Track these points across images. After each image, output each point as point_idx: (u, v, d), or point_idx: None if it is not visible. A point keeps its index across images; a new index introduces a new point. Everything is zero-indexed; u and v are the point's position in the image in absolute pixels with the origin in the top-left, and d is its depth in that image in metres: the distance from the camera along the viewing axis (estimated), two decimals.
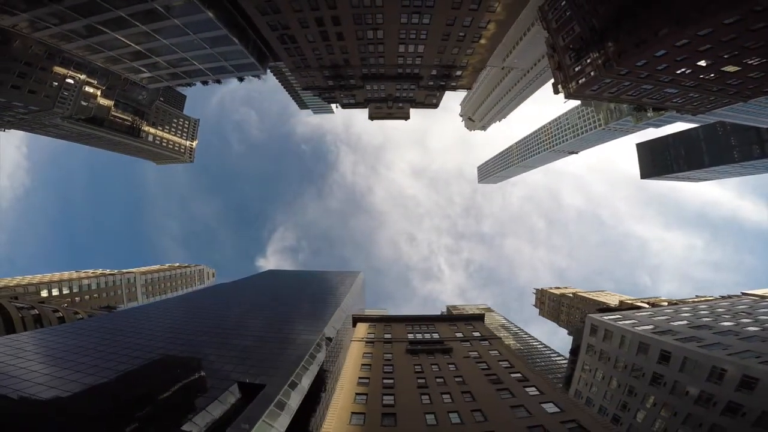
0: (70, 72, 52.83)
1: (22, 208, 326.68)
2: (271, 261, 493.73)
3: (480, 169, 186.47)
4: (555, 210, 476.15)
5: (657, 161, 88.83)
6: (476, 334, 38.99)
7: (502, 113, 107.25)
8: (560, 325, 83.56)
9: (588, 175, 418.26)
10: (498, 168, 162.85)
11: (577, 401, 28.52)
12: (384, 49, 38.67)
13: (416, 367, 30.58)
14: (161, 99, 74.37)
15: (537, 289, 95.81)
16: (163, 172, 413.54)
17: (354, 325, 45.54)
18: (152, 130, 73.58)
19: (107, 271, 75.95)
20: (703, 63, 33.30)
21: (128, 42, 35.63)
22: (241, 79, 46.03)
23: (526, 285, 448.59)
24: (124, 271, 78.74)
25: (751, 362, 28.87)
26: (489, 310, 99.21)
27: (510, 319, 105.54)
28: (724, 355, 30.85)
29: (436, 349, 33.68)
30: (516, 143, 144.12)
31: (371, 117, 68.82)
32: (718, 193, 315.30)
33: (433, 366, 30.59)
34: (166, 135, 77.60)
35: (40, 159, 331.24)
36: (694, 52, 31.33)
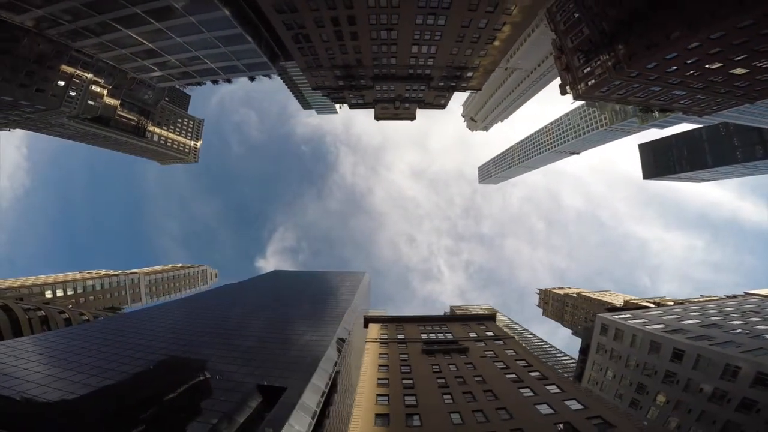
0: (78, 71, 52.40)
1: (22, 209, 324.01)
2: (270, 262, 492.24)
3: (481, 169, 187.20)
4: (555, 211, 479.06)
5: (660, 162, 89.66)
6: (489, 333, 39.11)
7: (504, 114, 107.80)
8: (564, 325, 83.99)
9: (588, 176, 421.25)
10: (499, 168, 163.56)
11: (599, 398, 28.72)
12: (397, 49, 38.76)
13: (434, 367, 30.63)
14: (166, 99, 73.96)
15: (540, 290, 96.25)
16: (163, 172, 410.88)
17: (365, 326, 45.52)
18: (157, 130, 73.09)
19: (111, 272, 75.30)
20: (712, 65, 33.74)
21: (141, 40, 35.42)
22: (252, 79, 45.93)
23: (526, 286, 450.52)
24: (128, 271, 78.10)
25: (765, 359, 29.24)
26: (493, 310, 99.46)
27: (511, 319, 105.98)
28: (738, 352, 31.22)
29: (452, 349, 33.75)
30: (517, 143, 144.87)
31: (377, 117, 68.86)
32: (718, 194, 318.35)
33: (450, 366, 30.65)
34: (171, 135, 77.10)
35: (41, 159, 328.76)
36: (705, 54, 31.74)
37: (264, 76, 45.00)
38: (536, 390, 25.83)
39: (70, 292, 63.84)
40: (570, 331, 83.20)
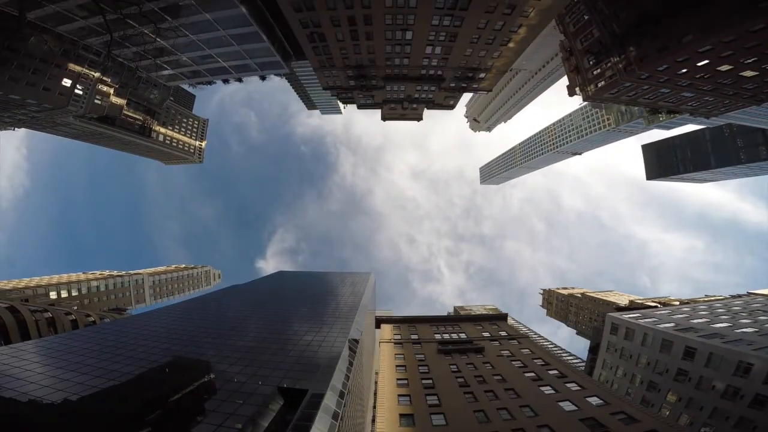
0: (85, 69, 51.93)
1: (22, 209, 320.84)
2: (270, 263, 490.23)
3: (482, 170, 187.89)
4: (555, 211, 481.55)
5: (663, 162, 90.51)
6: (503, 333, 39.27)
7: (508, 114, 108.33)
8: (569, 325, 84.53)
9: (588, 177, 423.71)
10: (501, 169, 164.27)
11: (620, 394, 28.97)
12: (410, 50, 38.88)
13: (452, 366, 30.71)
14: (171, 98, 73.46)
15: (544, 290, 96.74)
16: (163, 172, 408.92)
17: (378, 327, 45.52)
18: (163, 130, 72.53)
19: (115, 273, 74.62)
20: (723, 68, 34.22)
21: (155, 37, 35.17)
22: (263, 78, 45.82)
23: (526, 286, 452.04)
24: (132, 272, 77.46)
25: None
26: (497, 310, 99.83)
27: (515, 319, 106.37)
28: (750, 350, 31.61)
29: (467, 349, 33.84)
30: (519, 144, 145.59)
31: (384, 118, 68.94)
32: (718, 195, 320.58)
33: (468, 365, 30.74)
34: (176, 135, 76.55)
35: (41, 160, 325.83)
36: (716, 57, 32.21)
37: (276, 75, 44.87)
38: (557, 387, 26.02)
39: (74, 293, 63.18)
40: (575, 331, 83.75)
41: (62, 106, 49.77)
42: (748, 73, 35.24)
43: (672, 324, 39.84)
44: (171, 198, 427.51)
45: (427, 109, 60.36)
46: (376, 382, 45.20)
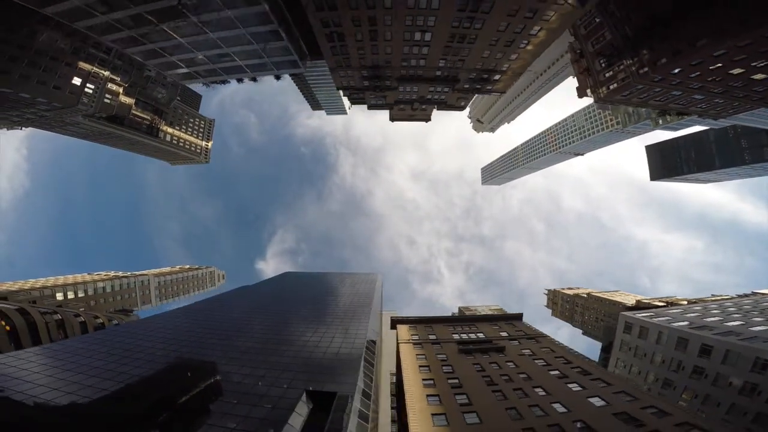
0: (95, 68, 51.44)
1: (22, 209, 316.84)
2: (270, 263, 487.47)
3: (484, 170, 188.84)
4: (555, 212, 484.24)
5: (667, 163, 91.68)
6: (521, 332, 39.45)
7: (511, 115, 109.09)
8: (574, 326, 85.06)
9: (588, 178, 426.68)
10: (502, 169, 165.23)
11: (647, 391, 29.24)
12: (428, 51, 39.03)
13: (475, 366, 30.77)
14: (178, 98, 72.96)
15: (549, 290, 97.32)
16: (163, 173, 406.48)
17: (392, 327, 45.48)
18: (170, 130, 71.94)
19: (120, 274, 73.78)
20: (735, 71, 34.83)
21: (173, 34, 34.89)
22: (278, 77, 45.68)
23: (526, 287, 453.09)
24: (138, 273, 76.62)
25: None
26: (501, 310, 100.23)
27: None
28: (767, 347, 32.10)
29: (489, 348, 33.95)
30: (521, 144, 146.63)
31: (393, 118, 69.09)
32: (718, 195, 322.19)
33: (492, 364, 30.84)
34: (183, 135, 75.95)
35: (41, 160, 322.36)
36: (729, 61, 32.79)
37: (291, 74, 44.76)
38: (583, 384, 26.23)
39: (81, 295, 62.37)
40: (580, 331, 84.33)
41: (72, 105, 49.22)
42: (759, 76, 35.88)
43: (686, 322, 40.31)
44: (171, 198, 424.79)
45: (437, 110, 60.60)
46: (392, 383, 45.10)
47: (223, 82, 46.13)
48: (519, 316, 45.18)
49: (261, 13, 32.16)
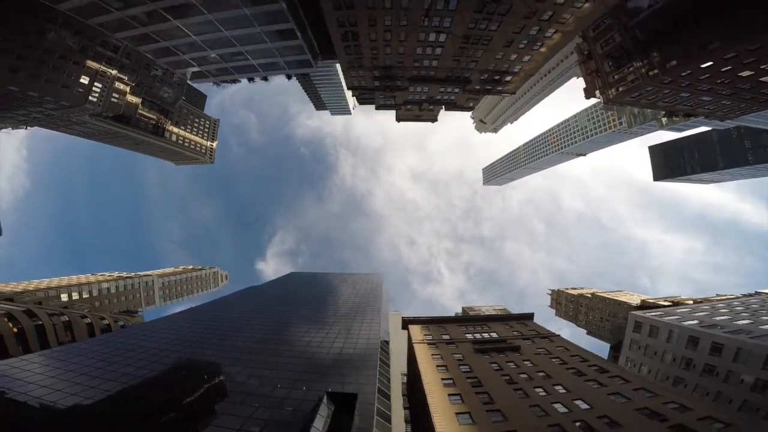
0: (102, 66, 50.99)
1: (22, 210, 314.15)
2: (270, 264, 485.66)
3: (485, 170, 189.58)
4: (555, 213, 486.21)
5: (670, 163, 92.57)
6: (533, 332, 39.63)
7: (515, 116, 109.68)
8: (579, 326, 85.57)
9: (588, 178, 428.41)
10: (504, 170, 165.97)
11: (666, 387, 29.48)
12: (441, 52, 39.16)
13: (493, 365, 30.84)
14: (183, 98, 72.47)
15: (552, 290, 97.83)
16: (163, 173, 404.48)
17: (404, 327, 45.47)
18: (175, 130, 71.49)
19: (124, 274, 73.16)
20: (744, 73, 35.29)
21: (188, 32, 34.76)
22: (289, 77, 45.63)
23: (526, 287, 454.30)
24: (142, 273, 76.02)
25: None
26: (505, 310, 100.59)
27: None
28: None
29: (504, 348, 34.06)
30: (523, 145, 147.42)
31: (399, 119, 69.18)
32: (718, 196, 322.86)
33: (509, 363, 30.93)
34: (188, 135, 75.49)
35: (41, 161, 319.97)
36: (739, 63, 33.23)
37: (303, 74, 44.70)
38: (602, 381, 26.41)
39: (85, 295, 61.78)
40: (584, 331, 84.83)
41: (80, 104, 48.79)
42: (767, 79, 36.35)
43: (696, 321, 40.72)
44: (171, 198, 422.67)
45: (445, 110, 60.75)
46: (403, 383, 45.10)
47: (234, 81, 46.02)
48: (530, 316, 45.39)
49: (277, 12, 32.17)
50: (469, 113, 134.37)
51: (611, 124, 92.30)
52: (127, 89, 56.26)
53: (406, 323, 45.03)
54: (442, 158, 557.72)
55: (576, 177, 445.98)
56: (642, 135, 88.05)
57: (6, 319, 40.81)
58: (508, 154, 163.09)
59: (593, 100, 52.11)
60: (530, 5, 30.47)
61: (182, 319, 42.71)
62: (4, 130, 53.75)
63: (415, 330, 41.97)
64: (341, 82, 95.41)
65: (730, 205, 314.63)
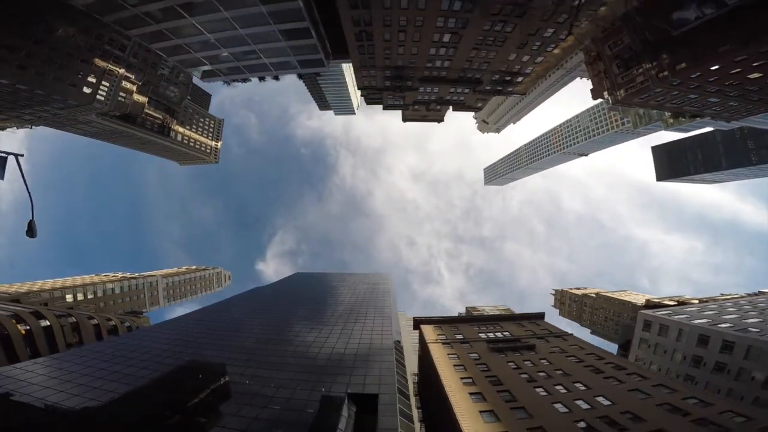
0: (110, 65, 50.64)
1: (22, 211, 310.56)
2: (270, 265, 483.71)
3: (486, 170, 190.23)
4: (554, 213, 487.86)
5: (674, 164, 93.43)
6: (546, 331, 39.83)
7: (518, 116, 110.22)
8: (583, 325, 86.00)
9: (588, 178, 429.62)
10: (506, 170, 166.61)
11: (684, 383, 29.73)
12: (455, 52, 39.27)
13: (510, 364, 30.95)
14: (188, 97, 72.11)
15: (556, 290, 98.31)
16: (162, 174, 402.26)
17: (415, 328, 45.50)
18: (181, 129, 71.01)
19: (129, 275, 72.54)
20: (753, 75, 35.74)
21: (202, 29, 34.50)
22: (300, 76, 45.50)
23: (526, 288, 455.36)
24: (145, 274, 75.41)
25: None
26: (509, 310, 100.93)
27: None
28: None
29: (519, 347, 34.20)
30: (525, 145, 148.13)
31: (405, 119, 69.25)
32: (718, 196, 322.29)
33: (526, 362, 31.06)
34: (193, 135, 74.99)
35: (40, 161, 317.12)
36: (748, 66, 33.67)
37: (314, 74, 44.58)
38: (620, 378, 26.63)
39: (90, 296, 61.21)
40: (588, 331, 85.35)
41: (88, 103, 48.38)
42: None
43: (705, 320, 41.15)
44: (171, 199, 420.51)
45: (453, 110, 60.93)
46: (414, 383, 45.13)
47: (245, 80, 45.78)
48: (541, 315, 45.60)
49: (294, 10, 32.01)
50: (472, 114, 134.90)
51: (614, 125, 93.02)
52: (134, 88, 55.94)
53: (417, 323, 45.04)
54: (441, 158, 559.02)
55: (576, 177, 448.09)
56: (645, 135, 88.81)
57: (14, 321, 40.31)
58: (509, 154, 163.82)
59: (595, 100, 52.47)
60: (546, 8, 30.66)
61: (196, 320, 42.42)
62: (9, 129, 53.12)
63: (428, 330, 41.98)
64: (346, 83, 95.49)
65: (730, 206, 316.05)
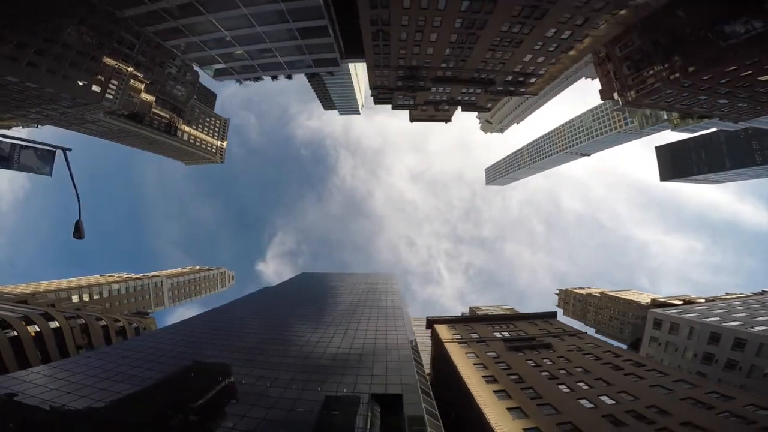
0: (119, 64, 50.13)
1: (22, 211, 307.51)
2: (270, 265, 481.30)
3: (488, 170, 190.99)
4: (554, 213, 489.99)
5: (677, 164, 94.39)
6: (560, 329, 40.10)
7: (521, 116, 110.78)
8: (587, 324, 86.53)
9: (588, 179, 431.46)
10: (507, 170, 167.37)
11: (702, 378, 30.08)
12: (470, 53, 39.34)
13: (529, 362, 31.15)
14: (195, 96, 71.58)
15: (560, 290, 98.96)
16: (162, 174, 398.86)
17: (427, 327, 45.59)
18: (187, 129, 70.44)
19: (133, 275, 71.87)
20: (763, 78, 36.27)
21: (219, 26, 34.25)
22: (312, 75, 45.36)
23: (526, 288, 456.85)
24: (150, 274, 74.77)
25: None
26: (513, 310, 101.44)
27: None
28: None
29: (536, 345, 34.43)
30: (527, 145, 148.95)
31: (413, 119, 69.33)
32: (718, 197, 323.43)
33: (545, 360, 31.30)
34: (199, 134, 74.40)
35: None
36: (759, 68, 34.17)
37: (327, 73, 44.49)
38: (640, 375, 26.96)
39: (96, 297, 60.57)
40: (593, 330, 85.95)
41: (97, 101, 47.85)
42: None
43: (716, 318, 41.68)
44: (170, 199, 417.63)
45: (463, 110, 61.10)
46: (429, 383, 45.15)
47: (257, 78, 45.58)
48: (554, 314, 45.94)
49: (313, 8, 31.92)
50: (475, 114, 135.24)
51: (617, 125, 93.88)
52: (142, 87, 55.43)
53: (431, 323, 45.15)
54: (441, 159, 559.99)
55: (576, 177, 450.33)
56: (648, 135, 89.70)
57: (23, 323, 39.74)
58: (511, 154, 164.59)
59: (597, 100, 53.05)
60: (566, 11, 30.82)
61: (208, 322, 42.11)
62: (14, 128, 52.37)
63: (442, 329, 42.08)
64: (351, 82, 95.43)
65: (729, 206, 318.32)
